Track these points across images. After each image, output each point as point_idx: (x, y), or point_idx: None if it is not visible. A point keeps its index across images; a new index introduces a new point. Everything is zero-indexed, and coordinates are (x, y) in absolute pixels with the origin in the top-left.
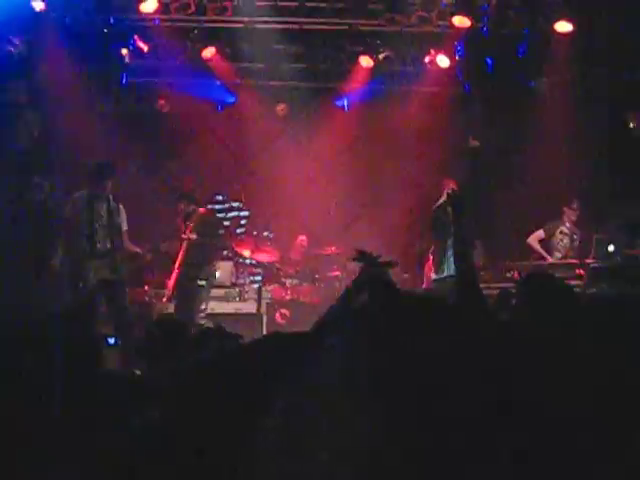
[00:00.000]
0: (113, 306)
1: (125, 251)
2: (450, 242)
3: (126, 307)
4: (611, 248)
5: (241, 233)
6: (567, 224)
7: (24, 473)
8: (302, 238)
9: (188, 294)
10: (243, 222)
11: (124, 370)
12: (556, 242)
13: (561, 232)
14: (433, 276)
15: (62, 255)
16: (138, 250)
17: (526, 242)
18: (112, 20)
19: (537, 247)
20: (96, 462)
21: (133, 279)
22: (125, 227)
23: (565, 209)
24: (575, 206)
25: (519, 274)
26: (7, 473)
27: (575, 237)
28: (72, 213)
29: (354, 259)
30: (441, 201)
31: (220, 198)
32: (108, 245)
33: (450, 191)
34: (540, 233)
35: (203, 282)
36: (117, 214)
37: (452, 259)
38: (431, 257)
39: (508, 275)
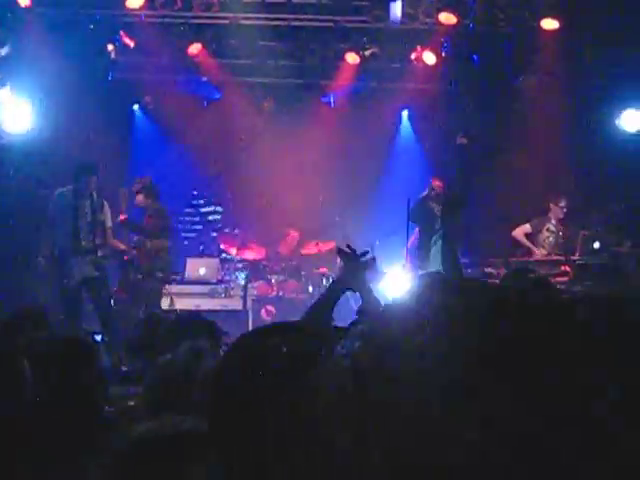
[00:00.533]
0: (97, 302)
1: (109, 248)
2: (435, 238)
3: (110, 303)
4: (597, 245)
5: (215, 230)
6: (553, 221)
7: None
8: (294, 234)
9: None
10: (215, 217)
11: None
12: (542, 239)
13: (548, 229)
14: (417, 271)
15: (46, 252)
16: (123, 247)
17: (511, 235)
18: (98, 16)
19: (524, 240)
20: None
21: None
22: (109, 224)
23: (552, 206)
24: (562, 204)
25: (504, 270)
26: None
27: (560, 234)
28: (56, 210)
29: (337, 252)
30: (424, 194)
31: (196, 193)
32: (92, 242)
33: (439, 189)
34: (527, 227)
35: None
36: (101, 211)
37: (438, 255)
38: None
39: (493, 271)
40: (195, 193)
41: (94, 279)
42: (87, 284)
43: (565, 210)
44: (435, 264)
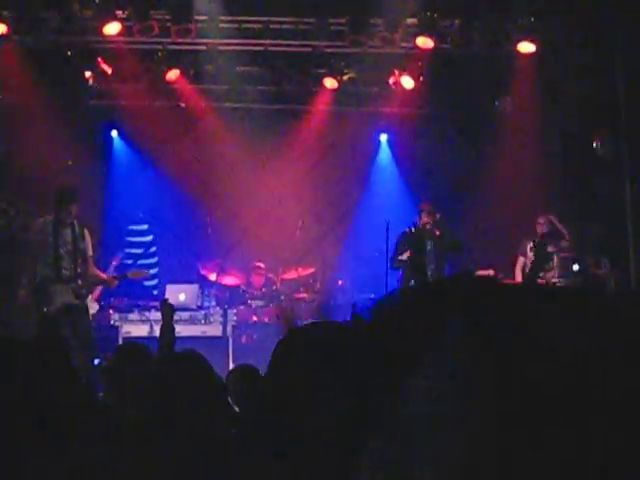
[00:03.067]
0: (76, 330)
1: (90, 276)
2: (427, 261)
3: (89, 332)
4: (576, 267)
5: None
6: (535, 239)
7: None
8: (258, 264)
9: None
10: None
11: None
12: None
13: (530, 249)
14: None
15: (27, 281)
16: (104, 276)
17: (512, 279)
18: (75, 43)
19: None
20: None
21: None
22: (90, 252)
23: (536, 224)
24: (542, 220)
25: None
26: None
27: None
28: (37, 239)
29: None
30: (412, 229)
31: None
32: (73, 270)
33: (429, 224)
34: (520, 260)
35: None
36: (82, 240)
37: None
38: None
39: None
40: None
41: (74, 307)
42: (67, 311)
43: (544, 226)
44: None
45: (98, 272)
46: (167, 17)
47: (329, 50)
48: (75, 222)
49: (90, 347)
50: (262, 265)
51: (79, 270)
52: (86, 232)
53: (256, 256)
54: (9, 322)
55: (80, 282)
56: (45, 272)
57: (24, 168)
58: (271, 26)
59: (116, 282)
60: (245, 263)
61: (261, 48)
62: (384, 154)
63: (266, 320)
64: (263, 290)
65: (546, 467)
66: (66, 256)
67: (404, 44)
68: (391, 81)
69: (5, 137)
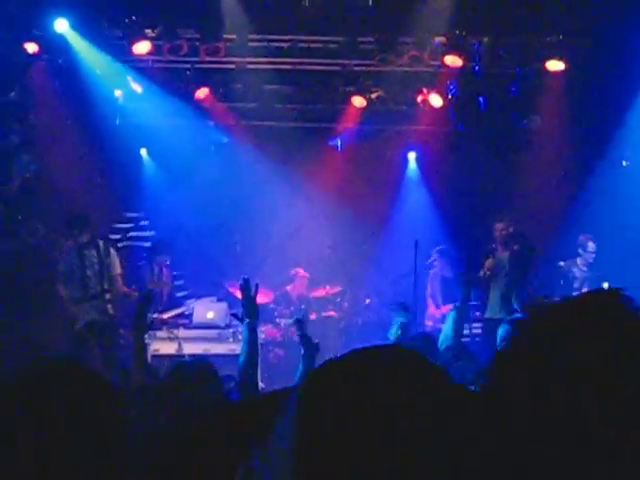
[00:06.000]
0: (103, 346)
1: (116, 293)
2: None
3: (114, 347)
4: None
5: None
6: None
7: None
8: (303, 274)
9: None
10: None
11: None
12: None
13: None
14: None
15: (57, 299)
16: (125, 290)
17: None
18: (105, 61)
19: None
20: None
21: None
22: (118, 270)
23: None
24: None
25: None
26: None
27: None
28: (64, 260)
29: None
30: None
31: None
32: (100, 289)
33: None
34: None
35: None
36: (108, 259)
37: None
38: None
39: None
40: None
41: (98, 323)
42: (92, 329)
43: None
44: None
45: (123, 288)
46: (196, 36)
47: (358, 68)
48: (100, 243)
49: (115, 364)
50: (303, 272)
51: (105, 287)
52: (112, 250)
53: (285, 273)
54: (39, 339)
55: (106, 298)
56: (72, 293)
57: (54, 186)
58: (300, 45)
59: (135, 294)
60: (273, 281)
61: (290, 67)
62: (412, 172)
63: (294, 338)
64: (292, 307)
65: None
66: (93, 276)
67: (433, 62)
68: (419, 99)
69: (36, 155)
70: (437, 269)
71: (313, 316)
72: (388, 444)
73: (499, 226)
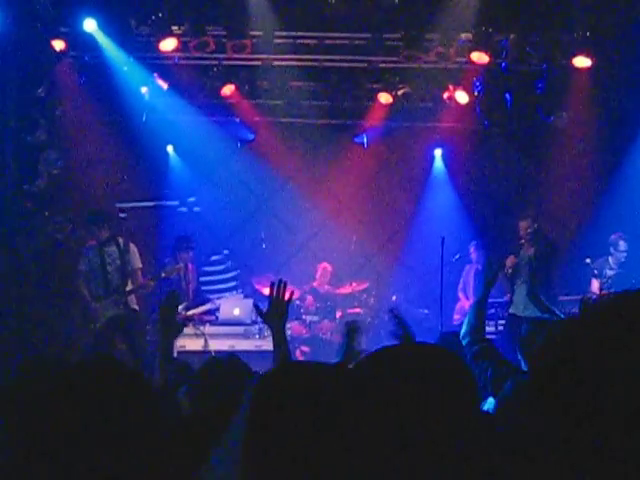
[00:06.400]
0: (129, 339)
1: (136, 287)
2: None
3: (140, 338)
4: None
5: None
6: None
7: None
8: (327, 267)
9: None
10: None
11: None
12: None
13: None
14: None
15: (83, 297)
16: (141, 281)
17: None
18: (132, 58)
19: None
20: None
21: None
22: (139, 265)
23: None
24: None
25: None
26: None
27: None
28: (85, 264)
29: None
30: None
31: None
32: (121, 284)
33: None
34: (595, 283)
35: None
36: (128, 254)
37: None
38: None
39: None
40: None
41: (121, 317)
42: (115, 323)
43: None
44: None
45: (142, 281)
46: (222, 33)
47: (384, 65)
48: (120, 239)
49: (142, 355)
50: (329, 267)
51: (126, 282)
52: (132, 246)
53: (310, 269)
54: (65, 336)
55: (128, 293)
56: (95, 290)
57: (81, 183)
58: (326, 41)
59: (152, 283)
60: (299, 277)
61: (316, 63)
62: (438, 169)
63: (320, 335)
64: (318, 304)
65: None
66: (114, 273)
67: (459, 59)
68: (445, 96)
69: (62, 152)
70: (473, 262)
71: (339, 313)
72: (326, 440)
73: (523, 224)
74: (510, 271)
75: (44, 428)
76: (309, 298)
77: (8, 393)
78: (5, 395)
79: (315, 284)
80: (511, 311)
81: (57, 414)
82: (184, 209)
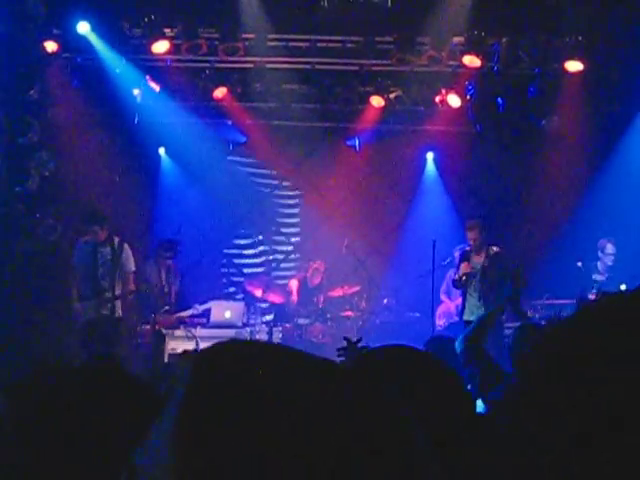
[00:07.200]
0: (104, 346)
1: (128, 290)
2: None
3: (120, 342)
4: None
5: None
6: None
7: None
8: (319, 264)
9: None
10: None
11: None
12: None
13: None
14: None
15: (76, 297)
16: (132, 287)
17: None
18: (124, 60)
19: None
20: None
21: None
22: (132, 268)
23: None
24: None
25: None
26: None
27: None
28: (79, 257)
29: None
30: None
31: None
32: (110, 285)
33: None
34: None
35: None
36: (122, 256)
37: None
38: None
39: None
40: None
41: (100, 321)
42: (92, 327)
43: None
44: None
45: (132, 285)
46: (215, 35)
47: (376, 68)
48: (115, 240)
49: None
50: (321, 266)
51: (114, 285)
52: (126, 247)
53: (302, 272)
54: (58, 337)
55: (114, 296)
56: (82, 290)
57: (72, 184)
58: (318, 44)
59: (145, 287)
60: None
61: (308, 66)
62: (430, 172)
63: (312, 338)
64: (310, 308)
65: None
66: (107, 274)
67: (451, 62)
68: (437, 99)
69: (54, 154)
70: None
71: (321, 302)
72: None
73: (470, 235)
74: (464, 278)
75: (44, 430)
76: (294, 282)
77: (8, 394)
78: (5, 396)
79: (310, 283)
80: (465, 318)
81: (57, 417)
82: None
